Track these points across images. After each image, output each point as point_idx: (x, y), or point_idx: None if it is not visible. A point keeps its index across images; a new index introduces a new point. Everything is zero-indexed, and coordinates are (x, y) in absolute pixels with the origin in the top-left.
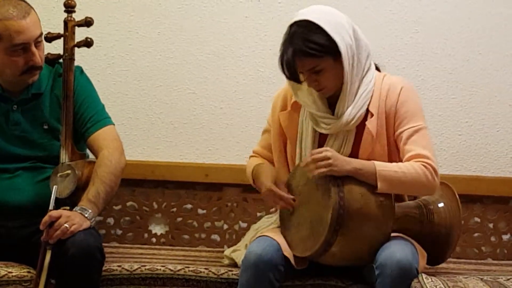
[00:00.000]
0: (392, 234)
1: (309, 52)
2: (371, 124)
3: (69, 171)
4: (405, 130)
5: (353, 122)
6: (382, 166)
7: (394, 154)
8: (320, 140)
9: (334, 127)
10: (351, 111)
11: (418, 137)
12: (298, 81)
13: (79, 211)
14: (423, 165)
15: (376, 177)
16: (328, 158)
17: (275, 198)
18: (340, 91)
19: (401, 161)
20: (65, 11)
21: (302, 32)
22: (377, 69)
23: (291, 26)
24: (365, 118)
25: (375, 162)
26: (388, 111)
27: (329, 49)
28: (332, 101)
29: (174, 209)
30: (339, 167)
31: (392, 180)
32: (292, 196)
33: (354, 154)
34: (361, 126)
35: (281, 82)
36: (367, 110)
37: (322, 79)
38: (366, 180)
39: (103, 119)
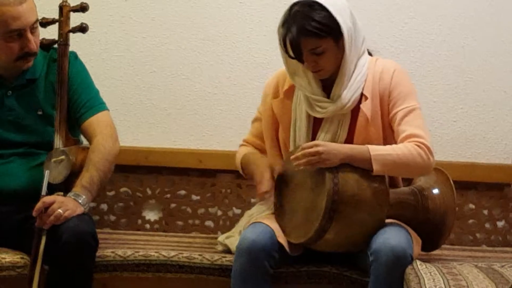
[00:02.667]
0: (387, 221)
1: (314, 32)
2: (365, 107)
3: (63, 157)
4: (399, 111)
5: (348, 105)
6: (376, 149)
7: (389, 137)
8: (315, 125)
9: (330, 111)
10: (347, 94)
11: (411, 118)
12: (301, 60)
13: (72, 197)
14: (417, 145)
15: (370, 161)
16: (320, 153)
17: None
18: (335, 74)
19: (395, 142)
20: None
21: (307, 11)
22: (369, 53)
23: (293, 5)
24: (359, 101)
25: (369, 146)
26: (382, 93)
27: (332, 30)
28: (326, 85)
29: (168, 195)
30: (331, 160)
31: (387, 162)
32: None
33: (349, 138)
34: (355, 110)
35: (276, 68)
36: (361, 94)
37: (321, 60)
38: (361, 165)
39: (98, 105)
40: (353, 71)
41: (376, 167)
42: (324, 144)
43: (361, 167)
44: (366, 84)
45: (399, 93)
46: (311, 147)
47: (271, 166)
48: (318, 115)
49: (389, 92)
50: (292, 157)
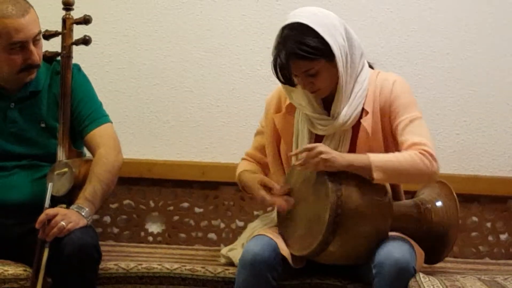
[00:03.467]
0: (390, 233)
1: (303, 55)
2: (366, 122)
3: (66, 169)
4: (400, 121)
5: (349, 122)
6: (377, 157)
7: (391, 151)
8: (317, 141)
9: (331, 128)
10: (347, 111)
11: (413, 127)
12: (292, 84)
13: (75, 209)
14: (419, 152)
15: (371, 168)
16: (321, 153)
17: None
18: (335, 91)
19: None
20: (63, 8)
21: (295, 35)
22: (371, 67)
23: (283, 29)
24: (360, 116)
25: (369, 154)
26: (383, 106)
27: (322, 51)
28: (327, 102)
29: (171, 208)
30: (332, 161)
31: (387, 169)
32: (285, 197)
33: (351, 153)
34: (356, 125)
35: (278, 81)
36: (362, 109)
37: (316, 81)
38: (362, 173)
39: (101, 117)
40: (353, 87)
41: (376, 175)
42: (326, 146)
43: (362, 175)
44: (367, 99)
45: (399, 105)
46: (314, 148)
47: (261, 182)
48: (319, 132)
49: (390, 104)
50: (296, 163)
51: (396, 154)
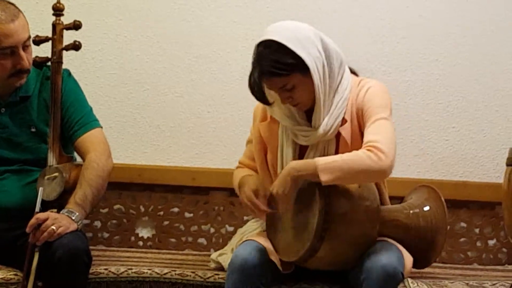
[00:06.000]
0: (378, 238)
1: (276, 72)
2: (344, 130)
3: (56, 174)
4: (367, 125)
5: (330, 132)
6: (322, 159)
7: None
8: (301, 150)
9: (312, 139)
10: (328, 122)
11: (373, 127)
12: (267, 102)
13: (66, 214)
14: (367, 149)
15: (317, 171)
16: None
17: (252, 207)
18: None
19: None
20: (53, 14)
21: (268, 52)
22: (355, 73)
23: (258, 46)
24: (342, 125)
25: (317, 158)
26: (357, 112)
27: (295, 66)
28: (309, 113)
29: (161, 213)
30: (278, 187)
31: (334, 169)
32: (266, 209)
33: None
34: (338, 134)
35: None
36: (343, 118)
37: (295, 95)
38: (312, 178)
39: (91, 122)
40: (333, 97)
41: (323, 177)
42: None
43: (315, 180)
44: (348, 107)
45: (369, 108)
46: None
47: (258, 189)
48: (302, 143)
49: (362, 109)
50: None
51: (342, 155)
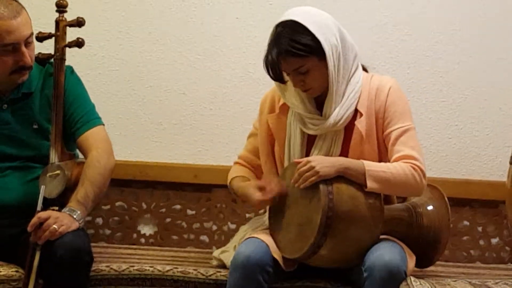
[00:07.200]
0: (381, 237)
1: (294, 52)
2: (360, 124)
3: (58, 172)
4: (393, 130)
5: (340, 122)
6: (372, 166)
7: (384, 154)
8: (309, 141)
9: (322, 128)
10: (339, 112)
11: (406, 138)
12: (282, 81)
13: (67, 212)
14: (412, 167)
15: (365, 176)
16: (313, 167)
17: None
18: (327, 91)
19: (389, 161)
20: (56, 11)
21: (288, 32)
22: (365, 69)
23: (277, 26)
24: (354, 118)
25: (364, 161)
26: (378, 111)
27: (313, 49)
28: (320, 102)
29: (163, 210)
30: (326, 172)
31: (381, 180)
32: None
33: (343, 155)
34: (350, 126)
35: (271, 84)
36: (356, 110)
37: (308, 79)
38: (355, 179)
39: (93, 119)
40: (346, 88)
41: (370, 184)
42: (316, 159)
43: (356, 181)
44: (360, 101)
45: (394, 112)
46: (305, 164)
47: (257, 187)
48: (311, 132)
49: (384, 110)
50: (292, 181)
51: (389, 165)
